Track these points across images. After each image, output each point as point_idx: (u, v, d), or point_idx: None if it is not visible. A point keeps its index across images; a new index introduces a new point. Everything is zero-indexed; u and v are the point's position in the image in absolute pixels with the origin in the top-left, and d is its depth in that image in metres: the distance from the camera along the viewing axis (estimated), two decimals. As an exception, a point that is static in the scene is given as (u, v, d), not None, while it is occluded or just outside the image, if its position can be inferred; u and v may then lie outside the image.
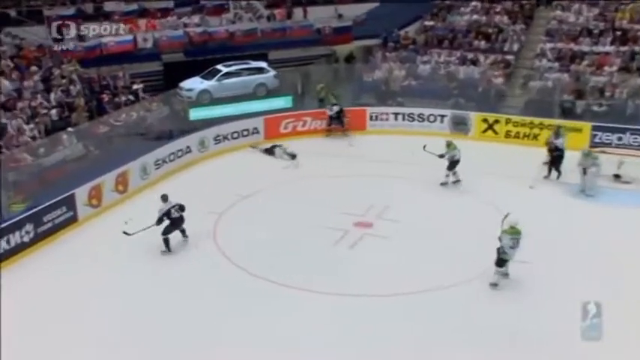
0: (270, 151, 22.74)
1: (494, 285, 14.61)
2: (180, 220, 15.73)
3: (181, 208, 15.75)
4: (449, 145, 20.01)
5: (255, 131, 24.05)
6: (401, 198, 19.34)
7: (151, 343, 12.56)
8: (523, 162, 21.34)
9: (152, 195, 19.08)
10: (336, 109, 24.53)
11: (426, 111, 25.55)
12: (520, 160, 21.41)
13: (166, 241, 15.60)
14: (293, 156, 22.18)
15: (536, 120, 24.48)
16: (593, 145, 23.06)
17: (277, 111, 25.00)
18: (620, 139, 23.43)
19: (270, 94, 25.83)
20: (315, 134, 25.01)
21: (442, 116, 25.37)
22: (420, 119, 25.45)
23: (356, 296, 14.24)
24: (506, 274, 14.81)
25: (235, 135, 23.57)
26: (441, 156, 19.49)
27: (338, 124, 24.56)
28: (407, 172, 20.38)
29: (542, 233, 16.75)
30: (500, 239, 14.42)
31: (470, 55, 28.38)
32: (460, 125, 25.15)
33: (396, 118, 25.63)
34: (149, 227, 15.32)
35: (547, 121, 24.27)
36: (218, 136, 23.13)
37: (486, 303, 14.21)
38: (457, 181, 19.88)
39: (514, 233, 14.39)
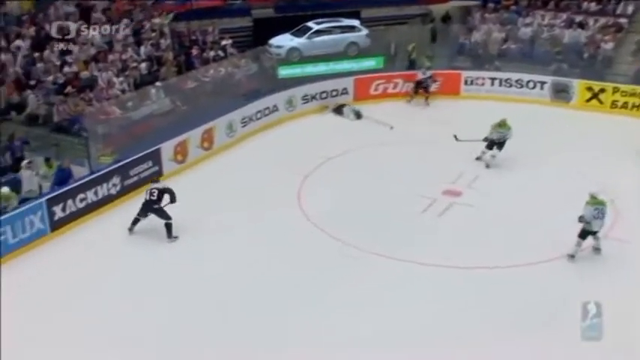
0: (338, 111, 23.02)
1: (571, 257, 14.68)
2: (150, 204, 14.90)
3: (153, 193, 14.91)
4: (502, 124, 19.18)
5: (345, 92, 24.23)
6: (493, 167, 19.25)
7: (238, 303, 12.94)
8: (630, 135, 20.89)
9: (237, 152, 20.26)
10: (429, 73, 24.21)
11: (525, 77, 25.25)
12: (626, 133, 20.96)
13: (134, 221, 15.12)
14: (358, 115, 22.50)
15: None
16: None
17: (368, 71, 25.04)
18: None
19: (362, 53, 25.70)
20: (408, 97, 24.72)
21: (542, 83, 25.05)
22: (519, 85, 25.22)
23: (439, 267, 14.29)
24: (597, 249, 14.79)
25: (324, 95, 23.81)
26: (485, 139, 18.94)
27: (424, 89, 24.27)
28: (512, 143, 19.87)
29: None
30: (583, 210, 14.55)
31: (578, 18, 27.58)
32: (561, 93, 24.88)
33: (492, 84, 25.41)
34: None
35: None
36: (306, 95, 23.43)
37: (572, 280, 14.01)
38: (494, 156, 19.29)
39: (597, 204, 14.37)
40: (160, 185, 15.18)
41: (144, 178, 17.08)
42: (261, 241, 15.14)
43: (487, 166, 19.30)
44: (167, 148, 18.15)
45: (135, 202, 16.53)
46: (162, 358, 11.60)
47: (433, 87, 24.34)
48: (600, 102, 24.44)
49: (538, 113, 22.65)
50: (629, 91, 24.17)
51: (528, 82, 25.15)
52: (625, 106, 24.02)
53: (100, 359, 11.56)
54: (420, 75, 24.19)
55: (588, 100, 24.51)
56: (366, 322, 12.52)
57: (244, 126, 21.05)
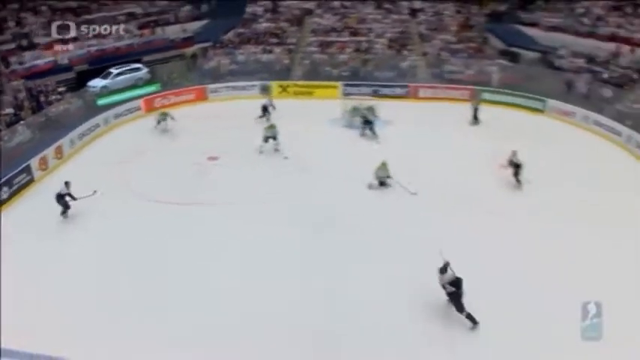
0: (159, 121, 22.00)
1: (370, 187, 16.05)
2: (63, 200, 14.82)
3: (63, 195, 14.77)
4: (271, 127, 19.53)
5: (139, 108, 24.51)
6: (237, 140, 20.02)
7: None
8: (308, 111, 22.92)
9: (79, 158, 19.86)
10: (271, 101, 22.85)
11: (244, 84, 26.93)
12: (305, 110, 22.95)
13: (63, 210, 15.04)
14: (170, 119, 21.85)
15: (311, 83, 26.85)
16: (345, 94, 25.24)
17: (151, 93, 25.48)
18: (359, 90, 25.61)
19: (146, 83, 26.21)
20: (177, 105, 24.94)
21: (254, 85, 26.89)
22: (242, 89, 26.75)
23: (220, 204, 15.27)
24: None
25: (126, 112, 24.02)
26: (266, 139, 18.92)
27: (267, 114, 22.58)
28: (242, 124, 21.26)
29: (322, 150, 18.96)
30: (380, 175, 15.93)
31: (268, 48, 29.55)
32: (266, 90, 26.64)
33: (226, 89, 26.76)
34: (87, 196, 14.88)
35: (317, 83, 26.68)
36: (116, 114, 23.50)
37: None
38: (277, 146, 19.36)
39: (383, 166, 15.92)
40: (65, 191, 14.83)
41: (22, 185, 16.98)
42: (108, 217, 14.94)
43: (261, 152, 19.16)
44: (34, 162, 17.84)
45: (23, 199, 16.39)
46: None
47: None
48: (288, 92, 26.65)
49: (257, 103, 23.10)
50: (301, 84, 26.87)
51: (246, 86, 26.83)
52: (301, 93, 26.51)
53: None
54: (265, 101, 22.99)
55: (281, 92, 26.59)
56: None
57: (81, 139, 20.90)
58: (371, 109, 21.68)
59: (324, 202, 15.47)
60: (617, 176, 17.70)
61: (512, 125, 22.42)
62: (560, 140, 21.06)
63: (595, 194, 16.01)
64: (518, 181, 16.78)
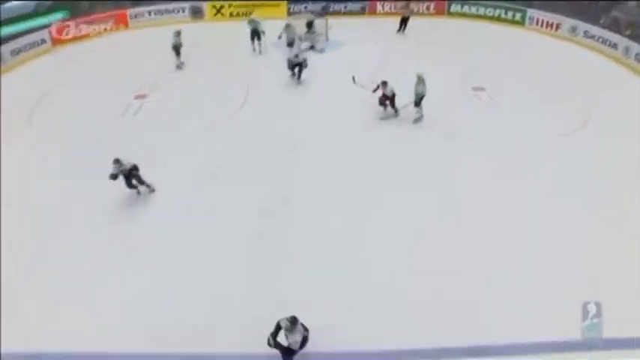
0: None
1: (418, 119, 15.40)
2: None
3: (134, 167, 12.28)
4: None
5: (44, 41, 21.64)
6: (166, 74, 19.12)
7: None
8: (245, 33, 21.12)
9: None
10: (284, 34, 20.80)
11: (171, 6, 25.05)
12: (245, 33, 21.11)
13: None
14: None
15: (250, 2, 25.11)
16: (290, 13, 24.48)
17: (58, 21, 22.20)
18: (306, 7, 24.86)
19: (50, 9, 22.35)
20: (92, 36, 22.76)
21: (183, 8, 25.21)
22: (168, 12, 25.04)
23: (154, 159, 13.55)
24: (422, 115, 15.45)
25: (28, 47, 21.04)
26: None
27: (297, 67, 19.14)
28: (168, 58, 19.70)
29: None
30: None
31: None
32: (197, 13, 25.26)
33: (150, 14, 24.83)
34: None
35: (257, 1, 24.99)
36: (14, 50, 20.52)
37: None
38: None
39: (421, 81, 14.97)
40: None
41: None
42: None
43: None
44: None
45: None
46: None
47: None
48: (222, 15, 25.32)
49: (188, 29, 21.70)
50: (239, 4, 25.18)
51: (174, 9, 25.02)
52: (238, 14, 24.98)
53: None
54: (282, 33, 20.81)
55: (215, 15, 25.31)
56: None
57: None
58: (289, 27, 20.63)
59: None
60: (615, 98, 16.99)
61: (485, 41, 22.20)
62: (541, 57, 20.56)
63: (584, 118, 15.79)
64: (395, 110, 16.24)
